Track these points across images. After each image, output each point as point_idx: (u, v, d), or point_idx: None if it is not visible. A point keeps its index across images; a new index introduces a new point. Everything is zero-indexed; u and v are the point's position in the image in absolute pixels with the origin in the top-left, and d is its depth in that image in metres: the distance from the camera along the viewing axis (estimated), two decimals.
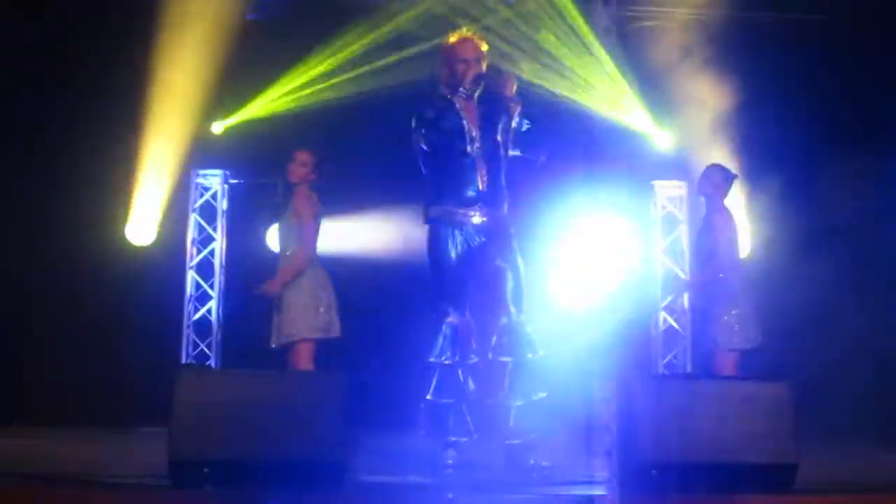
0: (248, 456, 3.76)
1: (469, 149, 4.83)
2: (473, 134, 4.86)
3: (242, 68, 8.39)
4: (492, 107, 4.95)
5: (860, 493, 4.00)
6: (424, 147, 4.88)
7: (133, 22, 8.01)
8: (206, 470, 3.71)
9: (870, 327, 7.61)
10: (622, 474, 4.10)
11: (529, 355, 4.82)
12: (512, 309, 4.85)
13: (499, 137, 4.94)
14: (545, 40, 8.26)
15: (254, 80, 8.48)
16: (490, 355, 4.81)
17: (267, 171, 8.02)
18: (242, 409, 3.83)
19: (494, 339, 4.82)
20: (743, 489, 3.81)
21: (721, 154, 8.29)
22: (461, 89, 4.87)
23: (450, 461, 4.72)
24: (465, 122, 4.86)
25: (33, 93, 8.24)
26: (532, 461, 4.70)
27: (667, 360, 8.79)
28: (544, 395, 4.79)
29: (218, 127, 8.62)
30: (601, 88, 8.60)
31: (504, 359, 4.80)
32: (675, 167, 8.93)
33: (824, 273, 7.46)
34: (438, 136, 4.83)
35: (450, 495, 3.62)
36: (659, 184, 8.99)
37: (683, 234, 8.93)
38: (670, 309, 8.90)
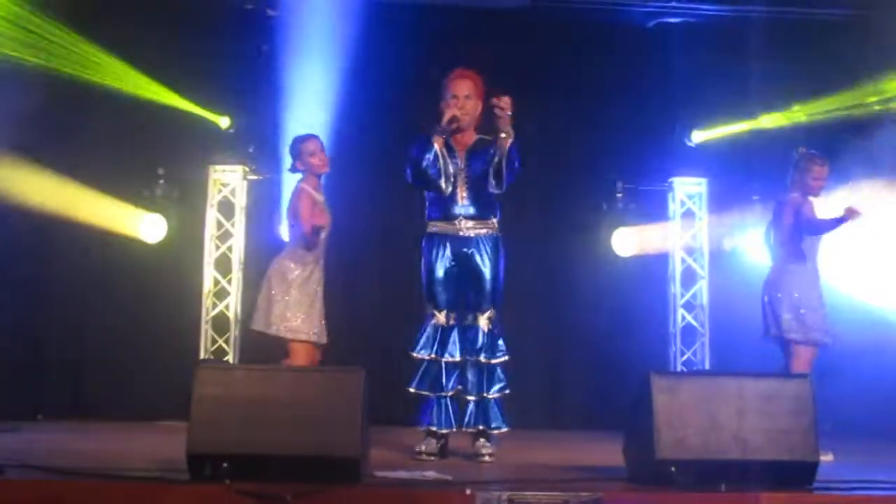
0: (267, 450, 3.77)
1: (444, 184, 5.35)
2: (450, 170, 5.37)
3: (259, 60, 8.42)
4: (485, 143, 5.45)
5: (881, 491, 3.96)
6: (411, 181, 5.42)
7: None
8: (224, 464, 3.72)
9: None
10: (641, 471, 4.09)
11: (491, 358, 5.36)
12: (488, 314, 5.39)
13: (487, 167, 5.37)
14: None
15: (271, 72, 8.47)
16: (467, 355, 5.34)
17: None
18: (260, 404, 3.85)
19: (469, 340, 5.36)
20: (762, 486, 3.78)
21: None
22: (438, 127, 5.35)
23: (424, 447, 5.22)
24: (440, 160, 5.34)
25: None
26: (480, 448, 5.23)
27: (685, 357, 8.77)
28: (499, 394, 5.35)
29: (224, 121, 8.63)
30: None
31: (478, 358, 5.34)
32: (695, 164, 8.92)
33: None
34: (417, 166, 5.33)
35: (468, 491, 3.62)
36: (678, 180, 8.98)
37: (702, 231, 8.91)
38: (689, 305, 8.88)
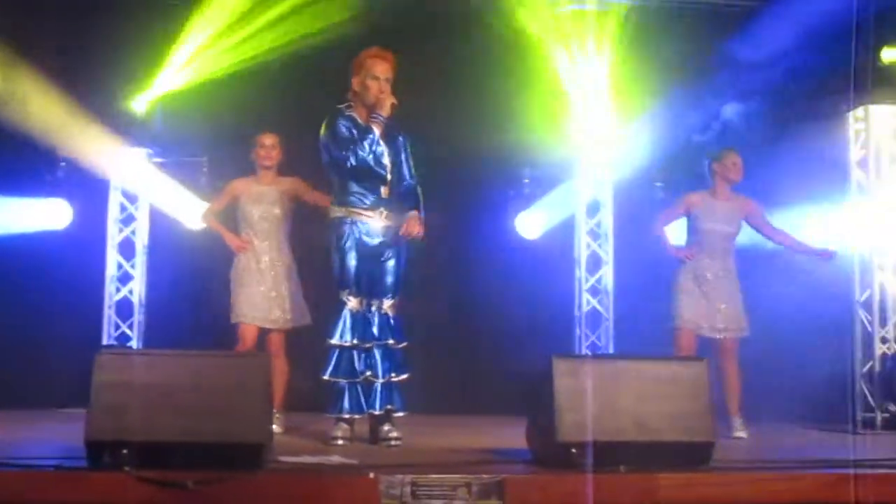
0: (169, 437, 3.73)
1: (384, 172, 5.37)
2: (387, 160, 5.37)
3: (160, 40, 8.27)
4: (394, 130, 5.48)
5: (777, 469, 4.09)
6: (340, 161, 5.30)
7: None
8: (124, 451, 3.67)
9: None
10: (543, 453, 4.15)
11: (400, 342, 5.44)
12: (392, 300, 5.44)
13: (401, 157, 5.49)
14: None
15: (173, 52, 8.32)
16: (375, 340, 5.38)
17: (193, 148, 7.93)
18: (162, 390, 3.80)
19: (377, 325, 5.40)
20: (661, 467, 3.87)
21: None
22: (377, 115, 5.33)
23: (339, 433, 5.25)
24: (383, 148, 5.37)
25: None
26: (388, 433, 5.26)
27: (590, 341, 8.91)
28: (406, 377, 5.41)
29: (139, 104, 8.45)
30: None
31: (386, 343, 5.39)
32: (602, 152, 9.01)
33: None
34: (358, 157, 5.28)
35: (371, 475, 3.63)
36: (584, 168, 9.07)
37: (607, 217, 9.03)
38: (594, 290, 9.00)
